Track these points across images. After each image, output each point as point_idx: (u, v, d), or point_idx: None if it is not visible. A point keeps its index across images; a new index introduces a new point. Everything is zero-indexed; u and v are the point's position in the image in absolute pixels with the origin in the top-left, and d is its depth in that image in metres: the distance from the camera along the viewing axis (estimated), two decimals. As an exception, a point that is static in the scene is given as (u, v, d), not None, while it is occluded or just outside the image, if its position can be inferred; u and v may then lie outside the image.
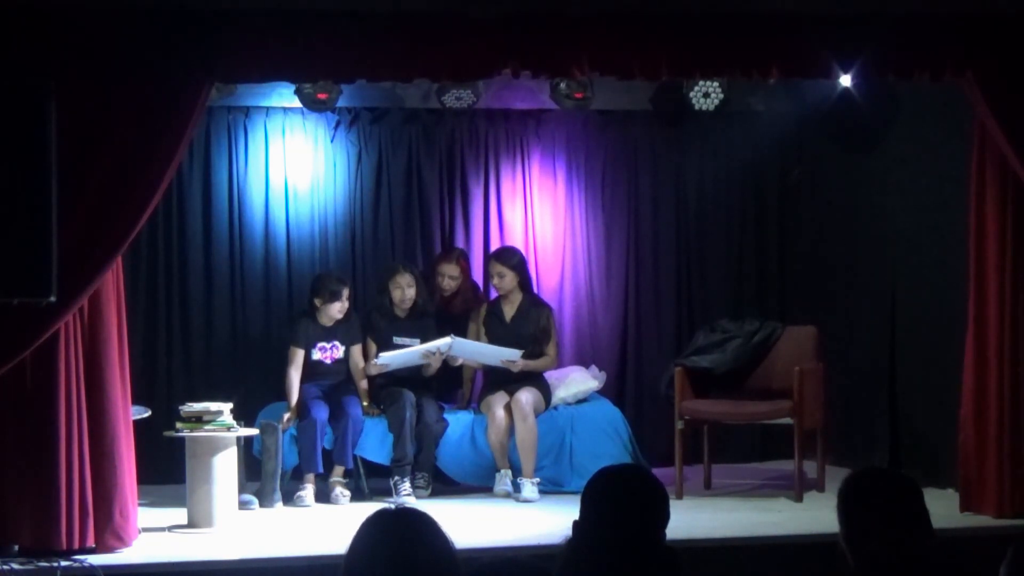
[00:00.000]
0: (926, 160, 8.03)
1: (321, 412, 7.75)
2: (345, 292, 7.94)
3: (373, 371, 7.98)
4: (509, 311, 8.15)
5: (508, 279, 8.09)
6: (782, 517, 7.18)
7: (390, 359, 7.90)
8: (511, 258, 8.19)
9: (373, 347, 8.07)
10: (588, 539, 3.11)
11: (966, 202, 7.15)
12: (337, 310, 7.92)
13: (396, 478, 7.70)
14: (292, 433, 7.78)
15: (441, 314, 8.29)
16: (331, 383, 8.00)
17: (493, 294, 8.38)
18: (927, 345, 8.03)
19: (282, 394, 7.97)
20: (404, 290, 8.02)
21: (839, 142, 8.89)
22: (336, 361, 8.00)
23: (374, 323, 8.10)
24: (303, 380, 7.92)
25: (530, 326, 8.10)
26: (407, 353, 7.93)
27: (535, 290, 8.44)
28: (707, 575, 5.98)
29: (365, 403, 7.98)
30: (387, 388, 7.95)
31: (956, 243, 7.36)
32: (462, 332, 8.13)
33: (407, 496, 7.60)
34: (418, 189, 8.92)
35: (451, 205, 8.99)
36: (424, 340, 8.02)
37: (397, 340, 8.04)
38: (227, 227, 8.68)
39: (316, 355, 7.97)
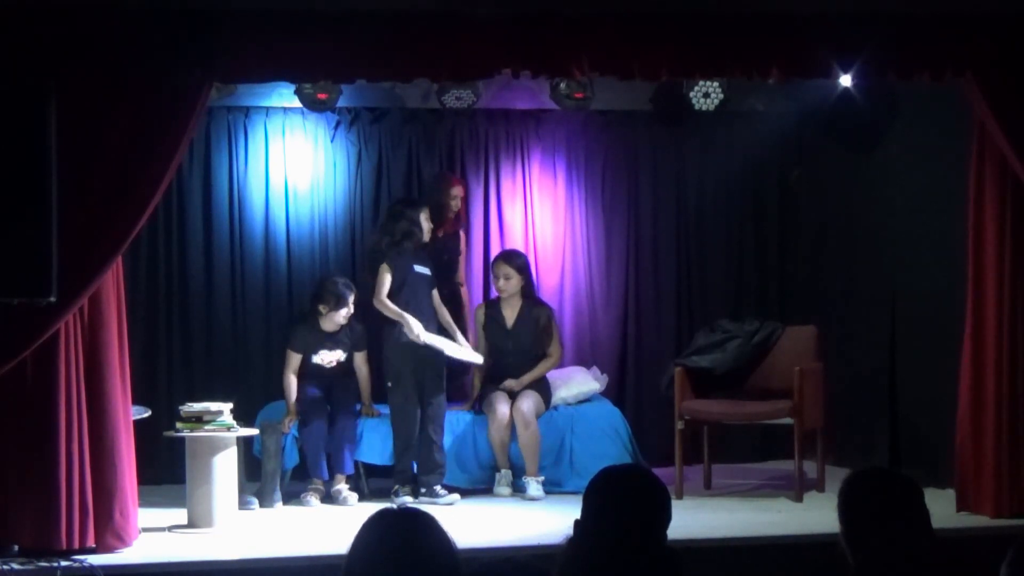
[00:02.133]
0: (926, 160, 8.03)
1: (322, 417, 7.71)
2: (351, 298, 7.87)
3: (415, 338, 7.65)
4: (510, 316, 8.13)
5: (514, 281, 8.08)
6: (782, 517, 7.18)
7: (430, 340, 7.71)
8: (517, 259, 8.18)
9: (388, 278, 7.76)
10: (589, 538, 3.11)
11: (966, 202, 7.15)
12: (343, 316, 7.88)
13: (397, 487, 7.66)
14: (293, 434, 7.77)
15: (445, 238, 8.37)
16: (330, 382, 7.94)
17: (492, 294, 8.38)
18: (927, 345, 8.03)
19: (282, 394, 7.96)
20: (429, 221, 7.94)
21: (839, 142, 8.89)
22: (338, 364, 7.95)
23: (401, 253, 7.79)
24: (302, 379, 7.89)
25: (532, 330, 8.09)
26: (443, 344, 7.79)
27: (536, 292, 8.42)
28: (707, 575, 5.98)
29: (365, 404, 7.98)
30: (403, 406, 7.71)
31: (956, 243, 7.36)
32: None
33: (407, 497, 7.60)
34: (418, 189, 8.91)
35: (451, 205, 8.99)
36: (431, 272, 7.92)
37: (417, 268, 7.83)
38: (227, 227, 8.68)
39: (317, 359, 7.91)
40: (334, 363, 7.94)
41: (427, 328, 7.75)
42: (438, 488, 7.64)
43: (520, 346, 8.07)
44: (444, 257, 8.34)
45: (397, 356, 7.76)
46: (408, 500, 7.53)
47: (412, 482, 7.73)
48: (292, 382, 7.86)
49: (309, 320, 7.96)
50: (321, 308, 7.87)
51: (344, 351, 7.95)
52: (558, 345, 8.21)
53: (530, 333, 8.09)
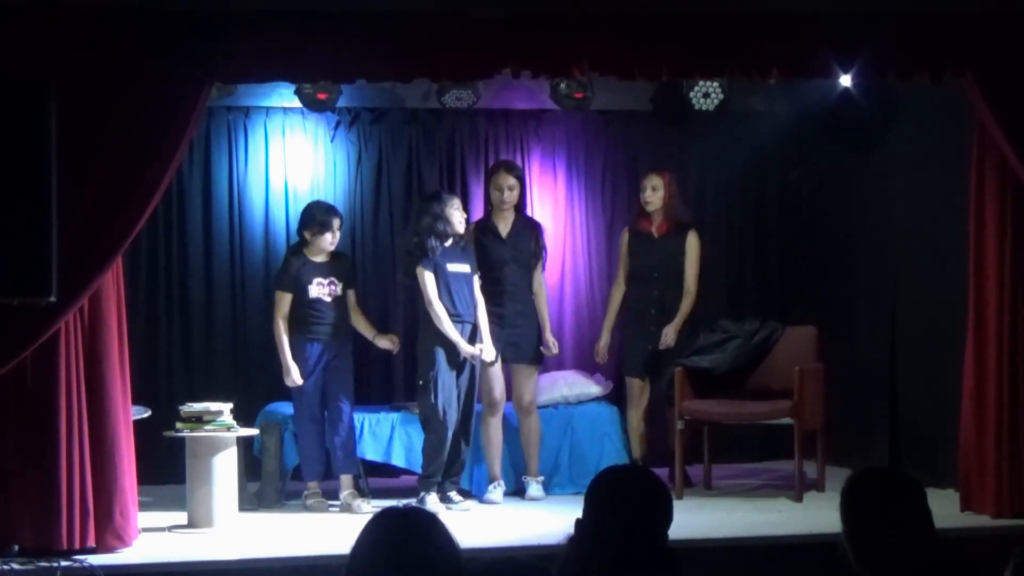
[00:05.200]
0: (926, 160, 8.03)
1: (320, 415, 7.57)
2: (336, 223, 7.57)
3: (467, 355, 7.52)
4: (504, 228, 7.94)
5: (516, 192, 7.94)
6: (782, 517, 7.19)
7: (471, 351, 7.53)
8: (517, 170, 8.06)
9: (429, 277, 7.48)
10: (590, 538, 3.11)
11: (966, 202, 7.15)
12: (328, 242, 7.54)
13: (423, 493, 7.40)
14: (293, 431, 7.73)
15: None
16: (328, 354, 7.55)
17: (474, 216, 8.25)
18: (927, 345, 8.03)
19: (283, 394, 7.94)
20: (461, 212, 7.69)
21: (839, 142, 8.89)
22: (335, 299, 7.58)
23: (431, 251, 7.50)
24: (299, 331, 7.51)
25: (529, 242, 7.94)
26: (484, 351, 7.62)
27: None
28: (707, 575, 5.98)
29: (371, 335, 7.73)
30: (439, 406, 7.42)
31: (956, 243, 7.36)
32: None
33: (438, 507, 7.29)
34: (418, 189, 8.91)
35: (451, 205, 8.98)
36: (472, 267, 7.65)
37: (451, 267, 7.55)
38: (227, 227, 8.69)
39: (314, 291, 7.52)
40: (330, 297, 7.54)
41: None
42: (453, 494, 7.52)
43: (519, 255, 7.88)
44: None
45: (437, 348, 7.47)
46: (432, 504, 7.26)
47: (439, 488, 7.48)
48: (283, 330, 7.48)
49: (294, 256, 7.62)
50: (306, 234, 7.55)
51: (339, 281, 7.61)
52: (542, 265, 8.00)
53: (528, 244, 7.92)
